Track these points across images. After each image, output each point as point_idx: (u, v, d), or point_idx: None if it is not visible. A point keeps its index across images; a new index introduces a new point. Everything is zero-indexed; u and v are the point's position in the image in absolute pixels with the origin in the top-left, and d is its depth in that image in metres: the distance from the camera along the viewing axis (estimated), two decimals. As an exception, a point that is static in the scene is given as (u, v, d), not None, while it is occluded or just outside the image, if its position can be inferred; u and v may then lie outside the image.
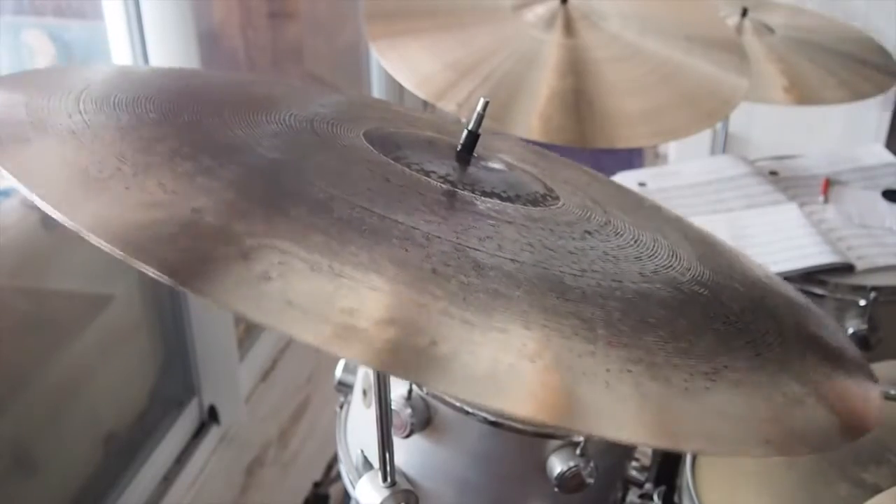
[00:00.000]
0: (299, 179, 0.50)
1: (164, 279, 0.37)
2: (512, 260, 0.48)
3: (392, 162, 0.57)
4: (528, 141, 0.97)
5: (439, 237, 0.48)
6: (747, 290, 0.60)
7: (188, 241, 0.40)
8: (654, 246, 0.60)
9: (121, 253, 0.38)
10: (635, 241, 0.59)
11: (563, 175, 0.67)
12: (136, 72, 0.70)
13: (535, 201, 0.59)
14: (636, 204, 0.73)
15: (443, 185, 0.56)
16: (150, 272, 0.38)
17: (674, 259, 0.58)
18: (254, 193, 0.47)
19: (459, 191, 0.56)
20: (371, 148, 0.59)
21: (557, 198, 0.61)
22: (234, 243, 0.41)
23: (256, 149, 0.53)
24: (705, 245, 0.68)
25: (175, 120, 0.54)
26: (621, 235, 0.59)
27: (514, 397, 0.38)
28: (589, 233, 0.57)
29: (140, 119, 0.53)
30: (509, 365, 0.39)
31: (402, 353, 0.38)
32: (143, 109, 0.54)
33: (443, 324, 0.40)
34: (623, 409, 0.40)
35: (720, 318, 0.53)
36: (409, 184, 0.54)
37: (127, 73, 0.68)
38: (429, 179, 0.56)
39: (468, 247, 0.48)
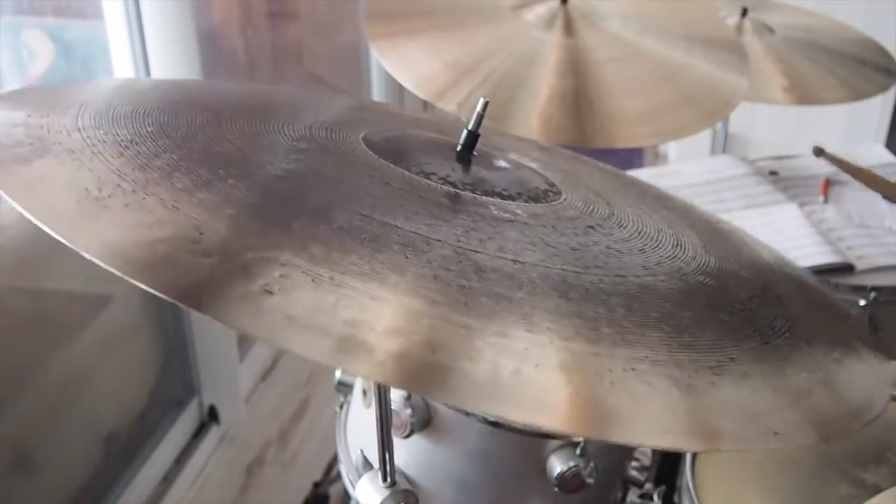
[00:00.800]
0: (298, 189, 0.50)
1: (167, 299, 0.38)
2: (513, 261, 0.48)
3: (391, 166, 0.57)
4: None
5: (440, 241, 0.48)
6: (754, 276, 0.60)
7: (189, 260, 0.40)
8: (658, 236, 0.60)
9: (121, 273, 0.39)
10: (639, 233, 0.59)
11: (566, 167, 0.67)
12: (134, 85, 0.70)
13: (536, 198, 0.59)
14: (639, 193, 0.72)
15: (443, 187, 0.56)
16: (153, 292, 0.38)
17: (678, 249, 0.58)
18: (252, 206, 0.47)
19: (460, 191, 0.56)
20: (370, 152, 0.59)
21: (559, 192, 0.62)
22: (235, 258, 0.41)
23: (254, 160, 0.53)
24: (711, 232, 0.68)
25: (173, 133, 0.54)
26: (625, 227, 0.59)
27: (521, 404, 0.38)
28: (592, 227, 0.57)
29: (138, 133, 0.53)
30: (513, 371, 0.39)
31: (406, 365, 0.38)
32: (140, 123, 0.54)
33: (445, 331, 0.40)
34: (639, 411, 0.40)
35: (726, 308, 0.53)
36: (409, 187, 0.54)
37: (125, 86, 0.68)
38: (429, 182, 0.56)
39: (469, 249, 0.48)
